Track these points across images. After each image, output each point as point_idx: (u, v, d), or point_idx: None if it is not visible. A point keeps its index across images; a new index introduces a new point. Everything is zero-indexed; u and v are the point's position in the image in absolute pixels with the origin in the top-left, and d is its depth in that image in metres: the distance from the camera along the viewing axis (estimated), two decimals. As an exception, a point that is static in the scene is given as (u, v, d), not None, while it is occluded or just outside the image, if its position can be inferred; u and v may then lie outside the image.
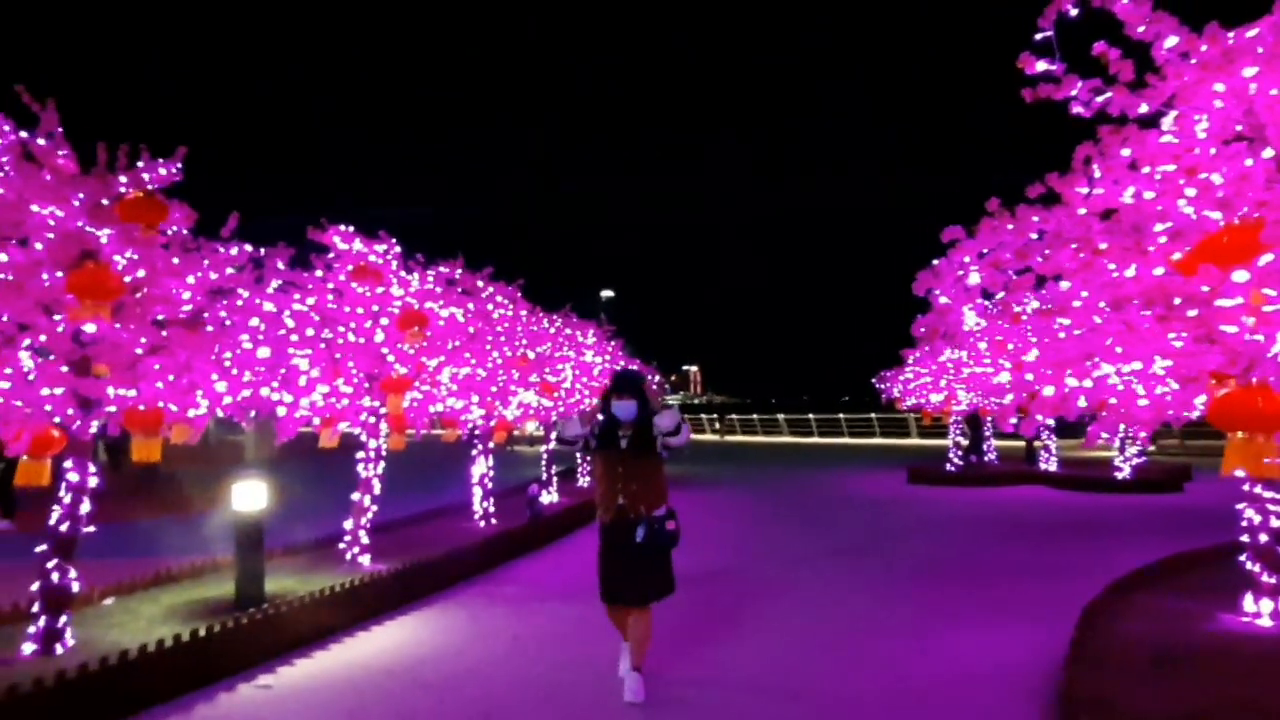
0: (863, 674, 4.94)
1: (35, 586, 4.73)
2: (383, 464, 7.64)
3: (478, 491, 9.68)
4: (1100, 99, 4.00)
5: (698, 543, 10.09)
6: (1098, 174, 4.15)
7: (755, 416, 41.79)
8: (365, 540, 7.36)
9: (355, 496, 7.43)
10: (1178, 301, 3.84)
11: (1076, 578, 7.07)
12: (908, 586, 7.28)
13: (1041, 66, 4.05)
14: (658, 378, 23.45)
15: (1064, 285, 4.30)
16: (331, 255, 7.36)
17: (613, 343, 15.37)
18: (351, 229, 7.39)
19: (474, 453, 9.77)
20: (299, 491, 13.02)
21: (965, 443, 16.92)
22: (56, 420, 4.64)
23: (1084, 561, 8.01)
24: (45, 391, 4.44)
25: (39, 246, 4.50)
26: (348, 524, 7.39)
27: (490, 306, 9.09)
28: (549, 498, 11.82)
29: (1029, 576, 7.55)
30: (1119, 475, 14.25)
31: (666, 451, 4.65)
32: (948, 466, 16.37)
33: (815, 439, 35.64)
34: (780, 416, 40.12)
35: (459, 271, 8.40)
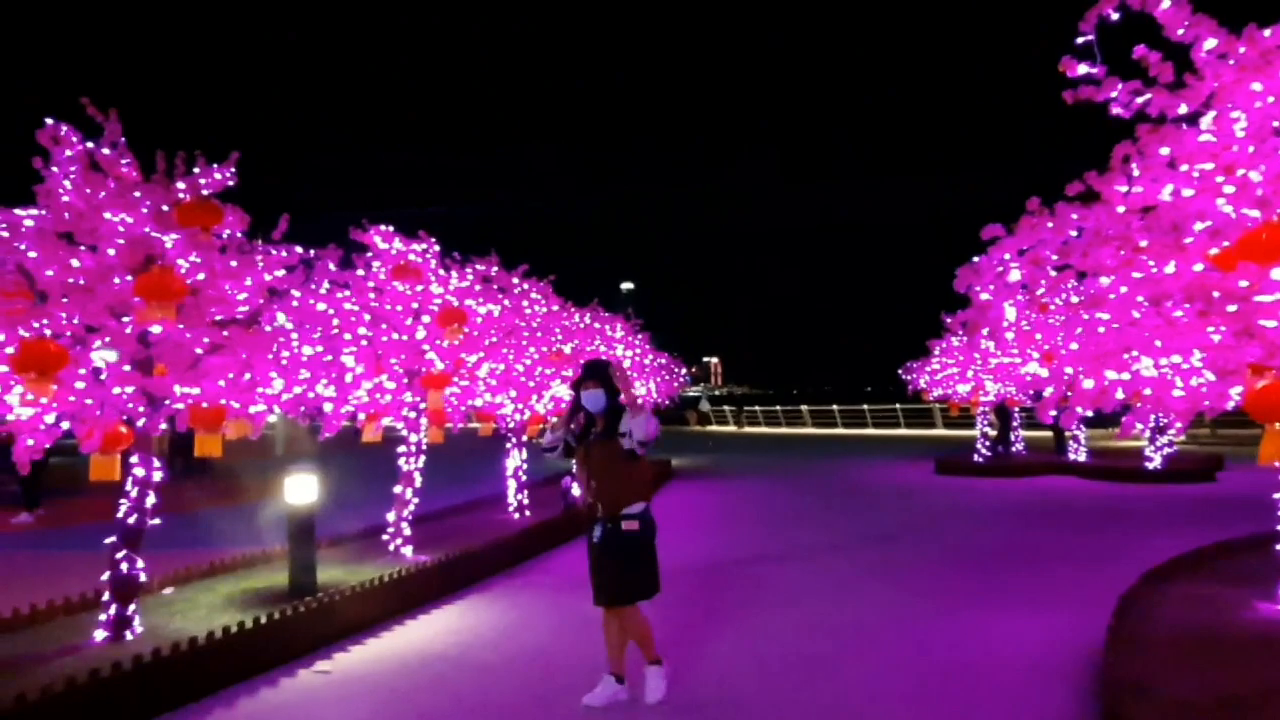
0: (893, 656, 5.05)
1: (105, 576, 4.96)
2: (423, 457, 7.85)
3: (512, 484, 9.87)
4: (1140, 100, 4.07)
5: (723, 530, 10.27)
6: (1136, 172, 4.22)
7: (778, 407, 41.78)
8: (407, 532, 7.57)
9: (397, 489, 7.63)
10: (1216, 296, 3.90)
11: (1108, 566, 7.14)
12: (938, 573, 7.38)
13: (1083, 69, 4.13)
14: (683, 370, 23.56)
15: (1104, 281, 4.37)
16: (370, 254, 7.55)
17: (640, 336, 15.53)
18: (392, 228, 7.57)
19: (508, 446, 9.96)
20: (339, 484, 13.29)
21: (993, 433, 16.90)
22: (124, 418, 4.85)
23: (1116, 550, 8.07)
24: (116, 390, 4.64)
25: (111, 252, 4.69)
26: (390, 516, 7.59)
27: (525, 303, 9.25)
28: (580, 489, 12.01)
29: (1060, 564, 7.62)
30: (1150, 465, 14.19)
31: (642, 448, 4.26)
32: (976, 457, 16.37)
33: (839, 430, 35.62)
34: (804, 407, 40.09)
35: (495, 269, 8.56)
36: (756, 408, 43.14)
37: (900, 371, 20.20)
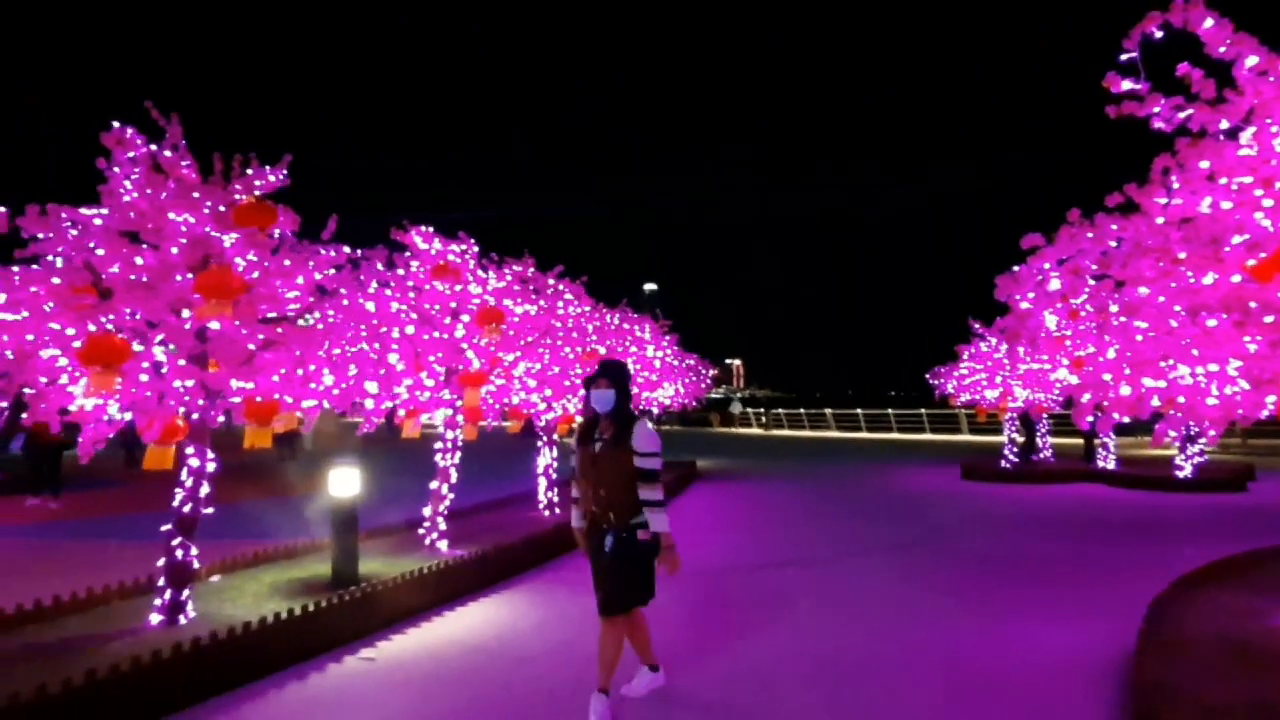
0: (918, 661, 5.11)
1: (160, 563, 5.16)
2: (459, 454, 8.02)
3: (542, 481, 10.02)
4: (1182, 115, 4.14)
5: (746, 533, 10.34)
6: (1176, 185, 4.28)
7: (801, 411, 41.72)
8: (443, 526, 7.74)
9: (434, 485, 7.80)
10: (1254, 307, 3.95)
11: (1138, 574, 7.15)
12: (962, 579, 7.41)
13: (1126, 85, 4.21)
14: (712, 372, 23.63)
15: (1143, 291, 4.43)
16: (409, 254, 7.72)
17: (668, 337, 15.63)
18: (431, 229, 7.75)
19: (539, 444, 10.11)
20: (375, 479, 13.55)
21: (1021, 439, 16.81)
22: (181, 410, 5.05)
23: (1145, 558, 8.06)
24: (176, 384, 4.83)
25: (174, 251, 4.89)
26: (426, 510, 7.77)
27: (560, 303, 9.39)
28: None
29: (1088, 572, 7.63)
30: (1180, 474, 14.05)
31: (651, 461, 4.09)
32: (1003, 463, 16.30)
33: (863, 434, 35.51)
34: (828, 411, 40.00)
35: (531, 269, 8.71)
36: (779, 411, 43.12)
37: (927, 376, 20.14)
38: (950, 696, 4.53)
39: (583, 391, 10.36)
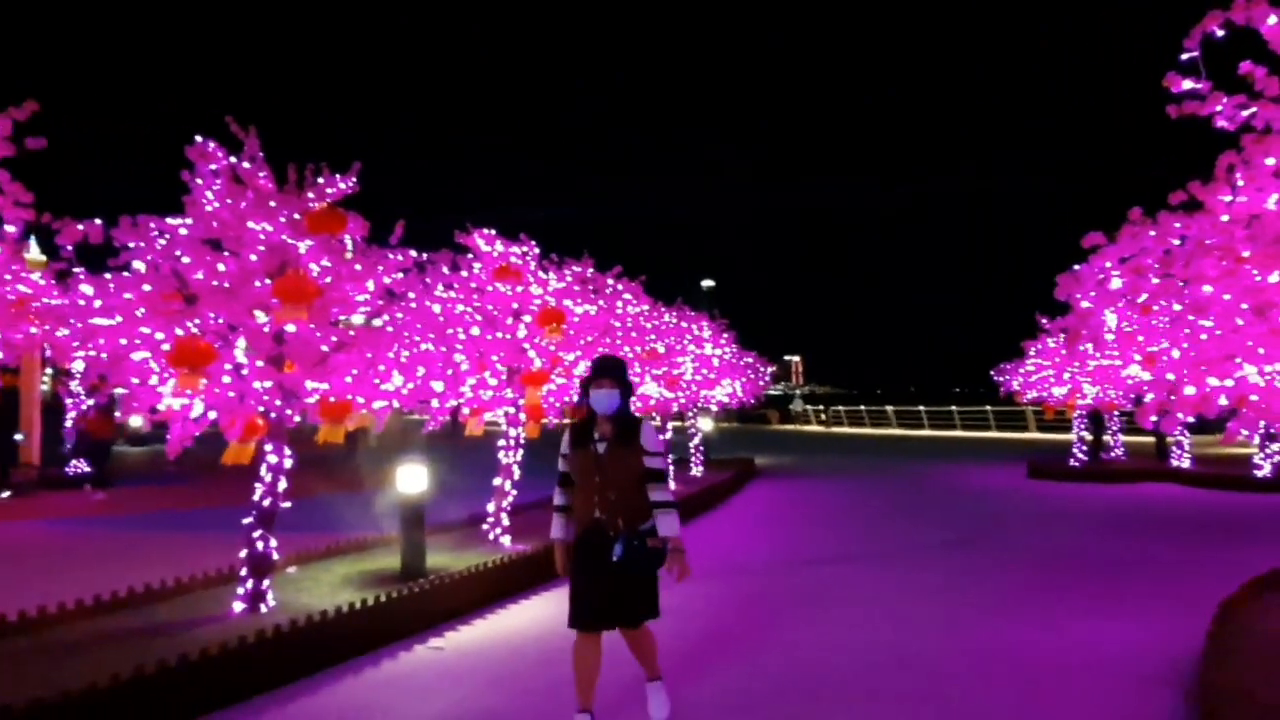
0: (983, 658, 5.08)
1: (243, 554, 5.44)
2: (521, 451, 8.21)
3: (602, 478, 10.16)
4: (1245, 113, 4.05)
5: (805, 530, 10.33)
6: (1241, 182, 4.19)
7: (862, 408, 41.22)
8: (506, 521, 7.94)
9: (496, 481, 8.00)
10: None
11: (1210, 576, 6.94)
12: (1026, 578, 7.30)
13: (1187, 85, 4.14)
14: (770, 369, 23.54)
15: (1207, 289, 4.34)
16: (472, 256, 7.93)
17: (726, 334, 15.65)
18: (494, 231, 7.95)
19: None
20: (438, 475, 13.92)
21: (1090, 437, 16.39)
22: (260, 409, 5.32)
23: (1218, 560, 7.82)
24: (256, 384, 5.10)
25: (253, 259, 5.15)
26: (490, 506, 7.98)
27: (619, 304, 9.52)
28: (667, 486, 12.23)
29: (1158, 573, 7.45)
30: (1259, 473, 13.55)
31: (659, 460, 3.93)
32: (1071, 462, 15.93)
33: (926, 431, 34.92)
34: (888, 408, 39.44)
35: (590, 270, 8.86)
36: (840, 408, 42.68)
37: (992, 373, 19.74)
38: (1003, 695, 4.50)
39: (656, 389, 10.35)
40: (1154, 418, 5.00)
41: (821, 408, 43.48)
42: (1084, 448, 16.11)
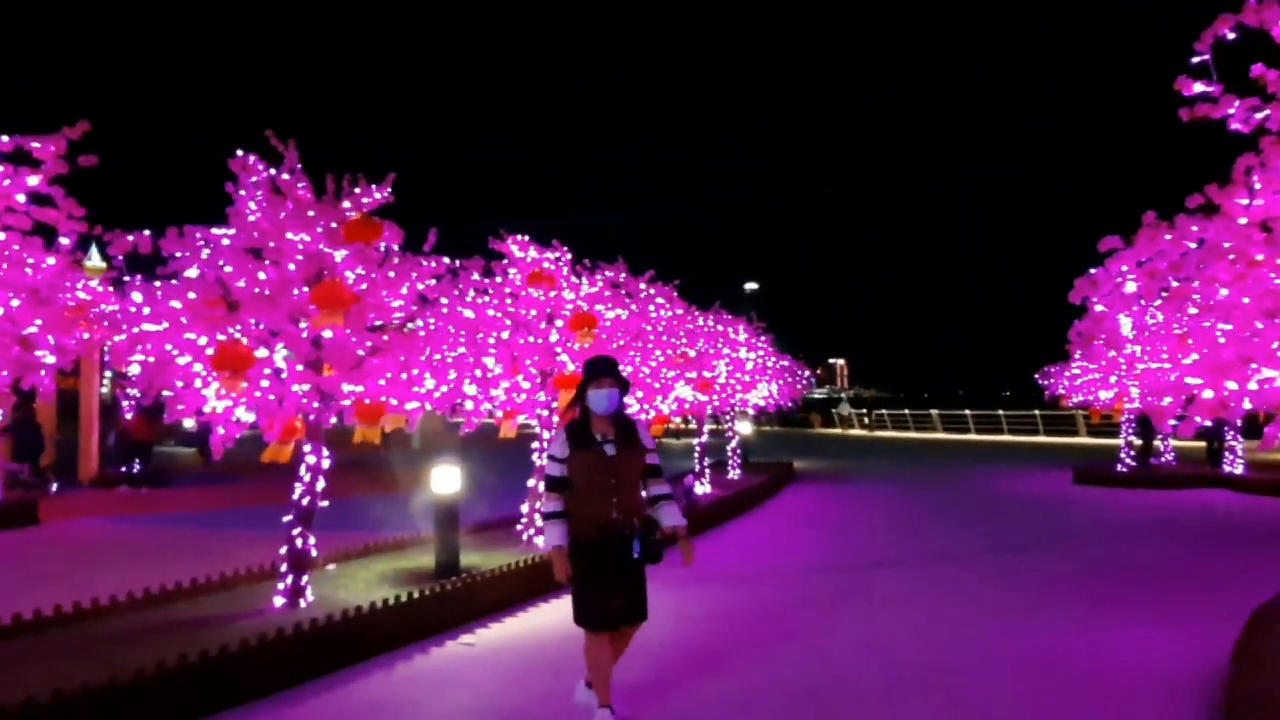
0: (1002, 661, 5.06)
1: (283, 550, 5.64)
2: (554, 453, 8.34)
3: (637, 481, 10.25)
4: (1259, 116, 4.00)
5: (845, 535, 10.28)
6: (1258, 185, 4.13)
7: (906, 411, 40.69)
8: (539, 523, 8.07)
9: (530, 482, 8.14)
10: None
11: (1255, 583, 6.75)
12: (1067, 584, 7.19)
13: (1199, 88, 4.10)
14: (808, 372, 23.42)
15: (1223, 293, 4.28)
16: (506, 261, 8.09)
17: (763, 338, 15.64)
18: (527, 238, 8.10)
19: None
20: (475, 477, 14.17)
21: (1138, 442, 16.01)
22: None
23: (1267, 568, 7.61)
24: (295, 388, 5.30)
25: (291, 267, 5.36)
26: (524, 507, 8.12)
27: (651, 308, 9.61)
28: (702, 488, 12.27)
29: (1201, 582, 7.27)
30: (1317, 480, 13.12)
31: (657, 456, 4.08)
32: (1118, 467, 15.56)
33: (972, 435, 34.35)
34: (934, 412, 38.87)
35: (623, 275, 8.97)
36: (884, 411, 42.18)
37: (1037, 376, 19.40)
38: (1040, 700, 4.48)
39: (689, 392, 10.36)
40: (1172, 421, 4.93)
41: (864, 411, 43.05)
42: (1131, 453, 15.74)
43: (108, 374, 14.74)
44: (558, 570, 4.02)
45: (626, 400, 4.20)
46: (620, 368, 4.14)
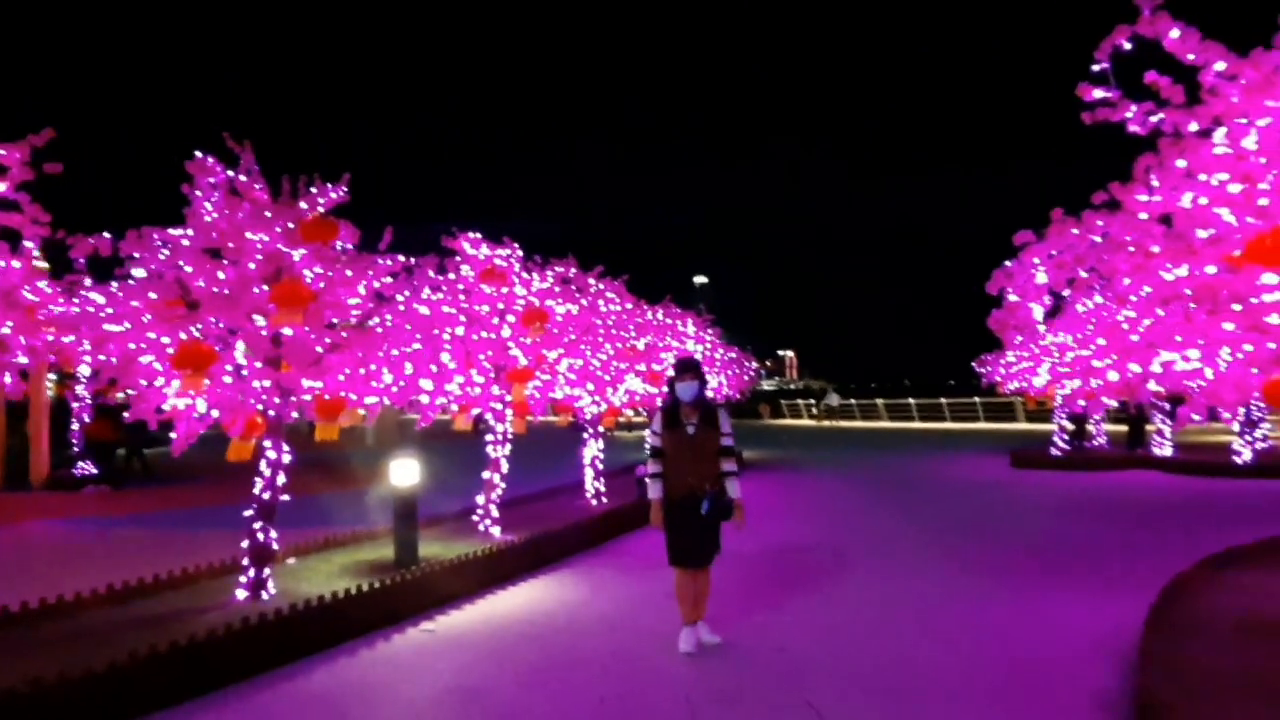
0: (940, 634, 5.45)
1: (245, 544, 5.76)
2: (509, 446, 8.53)
3: (589, 472, 10.48)
4: (1155, 119, 4.42)
5: (795, 520, 10.66)
6: (1156, 183, 4.56)
7: (853, 401, 41.60)
8: (495, 514, 8.27)
9: (486, 475, 8.33)
10: (1255, 301, 4.18)
11: (1175, 558, 7.20)
12: (999, 560, 7.65)
13: (1099, 94, 4.50)
14: (754, 364, 23.88)
15: (1126, 282, 4.69)
16: (459, 258, 8.25)
17: (710, 330, 15.98)
18: (479, 235, 8.26)
19: (585, 436, 10.57)
20: (430, 470, 14.22)
21: (1071, 426, 16.72)
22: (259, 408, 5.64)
23: (1187, 544, 8.07)
24: (255, 384, 5.42)
25: (251, 267, 5.47)
26: (480, 499, 8.31)
27: (601, 303, 9.84)
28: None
29: (1125, 555, 7.78)
30: (1239, 460, 13.85)
31: (730, 439, 5.16)
32: (1052, 451, 16.26)
33: (916, 424, 35.30)
34: (879, 401, 39.82)
35: (573, 271, 9.18)
36: (833, 401, 43.06)
37: (974, 364, 20.09)
38: (969, 662, 4.86)
39: (639, 384, 10.67)
40: (1081, 401, 5.34)
41: (814, 401, 43.84)
42: (1065, 437, 16.45)
43: (51, 376, 14.47)
44: (654, 517, 5.14)
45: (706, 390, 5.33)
46: (702, 367, 5.26)
